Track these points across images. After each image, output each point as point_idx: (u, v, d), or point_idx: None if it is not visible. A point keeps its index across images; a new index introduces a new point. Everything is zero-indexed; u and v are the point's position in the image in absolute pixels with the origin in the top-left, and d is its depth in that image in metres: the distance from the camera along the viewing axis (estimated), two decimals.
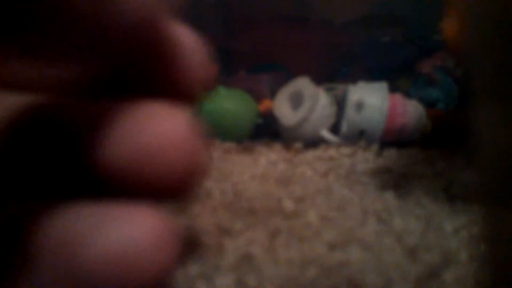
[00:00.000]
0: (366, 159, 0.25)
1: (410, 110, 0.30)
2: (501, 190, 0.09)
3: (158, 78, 0.12)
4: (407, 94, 0.32)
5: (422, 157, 0.24)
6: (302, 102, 0.31)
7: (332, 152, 0.28)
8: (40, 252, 0.10)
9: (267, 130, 0.32)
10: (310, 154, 0.28)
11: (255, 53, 0.42)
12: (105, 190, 0.11)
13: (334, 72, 0.40)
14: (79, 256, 0.10)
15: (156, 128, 0.11)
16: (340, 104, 0.32)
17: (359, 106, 0.31)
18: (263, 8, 0.44)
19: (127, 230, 0.10)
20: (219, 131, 0.30)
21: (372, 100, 0.30)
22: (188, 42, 0.12)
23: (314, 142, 0.30)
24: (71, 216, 0.10)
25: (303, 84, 0.32)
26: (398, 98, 0.31)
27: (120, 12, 0.10)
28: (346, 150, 0.28)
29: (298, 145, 0.28)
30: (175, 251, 0.10)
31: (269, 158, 0.25)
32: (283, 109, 0.31)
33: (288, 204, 0.20)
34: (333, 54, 0.40)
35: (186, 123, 0.11)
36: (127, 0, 0.10)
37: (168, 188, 0.11)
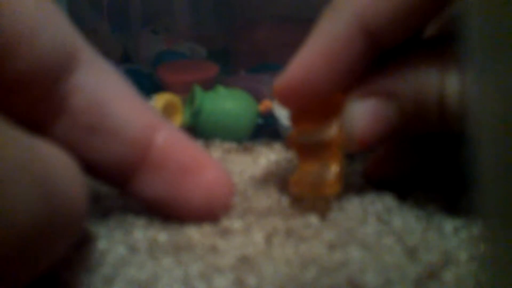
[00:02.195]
0: (366, 159, 0.25)
1: None
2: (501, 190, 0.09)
3: None
4: None
5: None
6: None
7: None
8: None
9: (267, 130, 0.32)
10: None
11: (255, 53, 0.42)
12: None
13: None
14: None
15: None
16: None
17: None
18: (263, 8, 0.44)
19: None
20: (219, 131, 0.30)
21: None
22: None
23: None
24: None
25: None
26: None
27: None
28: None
29: None
30: None
31: (269, 158, 0.25)
32: (283, 109, 0.31)
33: (288, 204, 0.20)
34: None
35: None
36: None
37: None
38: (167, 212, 0.19)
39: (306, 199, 0.21)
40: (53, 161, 0.13)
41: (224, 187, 0.19)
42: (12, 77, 0.15)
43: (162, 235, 0.18)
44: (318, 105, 0.20)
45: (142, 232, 0.18)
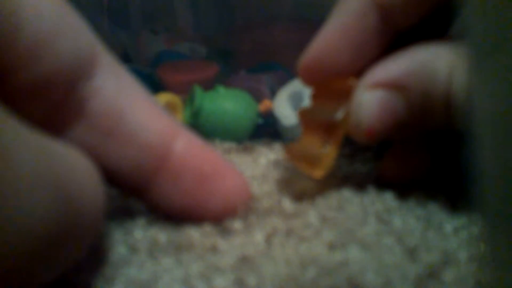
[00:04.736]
0: (366, 159, 0.25)
1: None
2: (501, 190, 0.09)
3: None
4: None
5: None
6: (302, 102, 0.31)
7: None
8: None
9: (267, 130, 0.32)
10: None
11: (255, 53, 0.42)
12: None
13: None
14: None
15: None
16: None
17: None
18: (263, 8, 0.44)
19: None
20: (219, 131, 0.30)
21: None
22: None
23: None
24: None
25: (303, 84, 0.32)
26: None
27: None
28: (346, 150, 0.28)
29: None
30: None
31: (269, 158, 0.25)
32: (283, 109, 0.31)
33: (288, 204, 0.20)
34: None
35: None
36: None
37: None
38: (185, 220, 0.19)
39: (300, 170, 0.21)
40: (71, 165, 0.13)
41: (242, 195, 0.19)
42: (32, 80, 0.15)
43: (162, 235, 0.18)
44: (335, 87, 0.21)
45: (142, 232, 0.18)
